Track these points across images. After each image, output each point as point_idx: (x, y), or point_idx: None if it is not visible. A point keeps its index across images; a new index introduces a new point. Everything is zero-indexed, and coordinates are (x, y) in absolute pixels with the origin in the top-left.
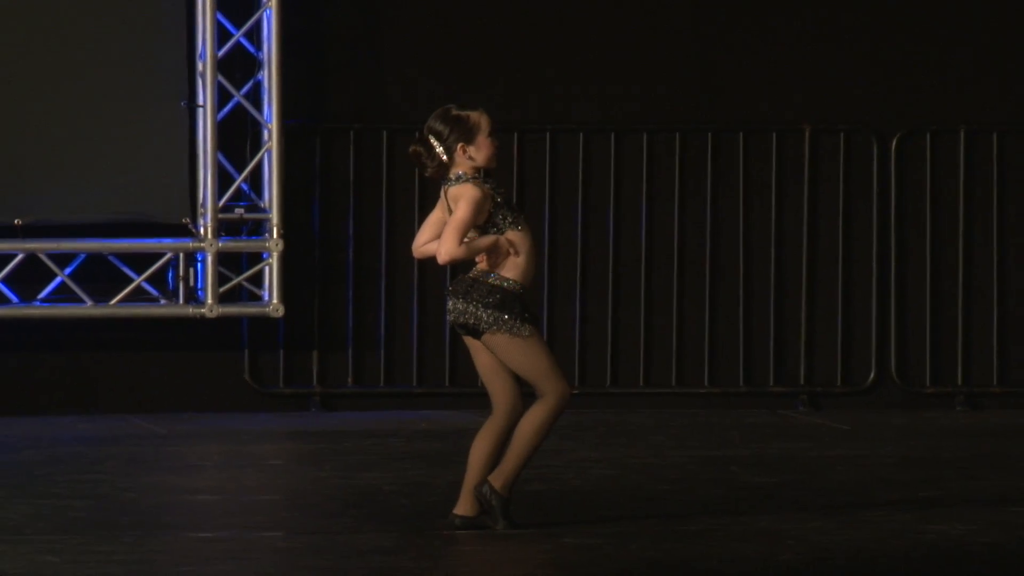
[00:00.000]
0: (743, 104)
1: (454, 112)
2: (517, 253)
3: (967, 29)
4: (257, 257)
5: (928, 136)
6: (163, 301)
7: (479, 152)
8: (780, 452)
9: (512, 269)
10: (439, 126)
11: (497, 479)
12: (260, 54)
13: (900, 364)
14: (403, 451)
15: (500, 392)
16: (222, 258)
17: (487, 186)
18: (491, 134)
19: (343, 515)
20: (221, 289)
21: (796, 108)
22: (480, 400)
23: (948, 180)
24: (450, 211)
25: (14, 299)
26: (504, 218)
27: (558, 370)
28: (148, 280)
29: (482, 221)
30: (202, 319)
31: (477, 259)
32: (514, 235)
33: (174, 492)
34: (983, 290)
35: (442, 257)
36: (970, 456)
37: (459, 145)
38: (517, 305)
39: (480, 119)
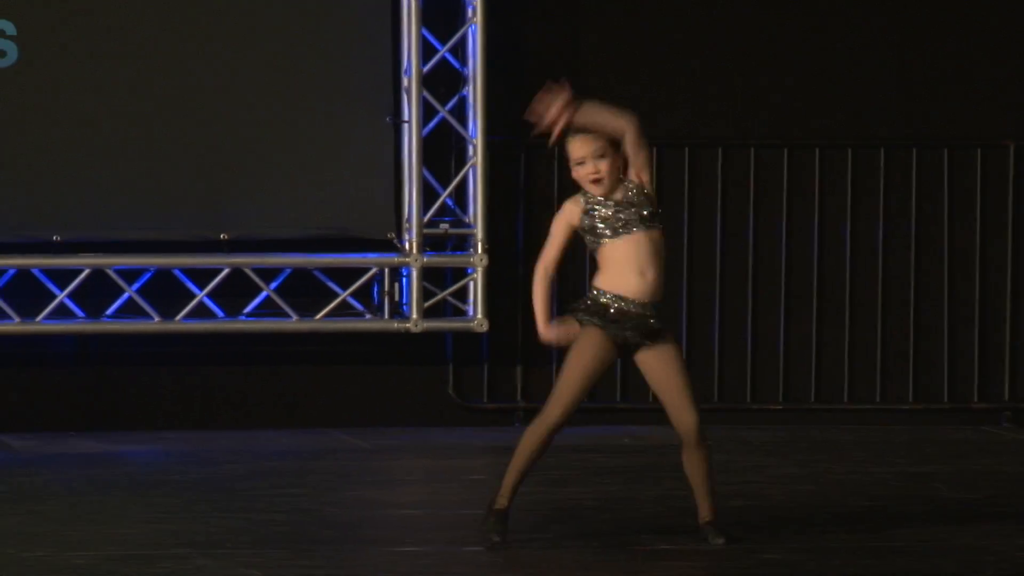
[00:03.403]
0: (945, 119)
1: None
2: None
3: None
4: (461, 272)
5: None
6: (368, 316)
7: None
8: (983, 468)
9: (601, 280)
10: None
11: (501, 495)
12: (465, 70)
13: None
14: (605, 466)
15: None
16: (427, 273)
17: (581, 203)
18: (579, 163)
19: (545, 530)
20: (426, 304)
21: (999, 123)
22: None
23: None
24: None
25: (220, 313)
26: (592, 240)
27: (566, 397)
28: (353, 295)
29: (568, 237)
30: (407, 334)
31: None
32: (602, 249)
33: (377, 506)
34: None
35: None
36: None
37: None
38: (594, 307)
39: (568, 146)
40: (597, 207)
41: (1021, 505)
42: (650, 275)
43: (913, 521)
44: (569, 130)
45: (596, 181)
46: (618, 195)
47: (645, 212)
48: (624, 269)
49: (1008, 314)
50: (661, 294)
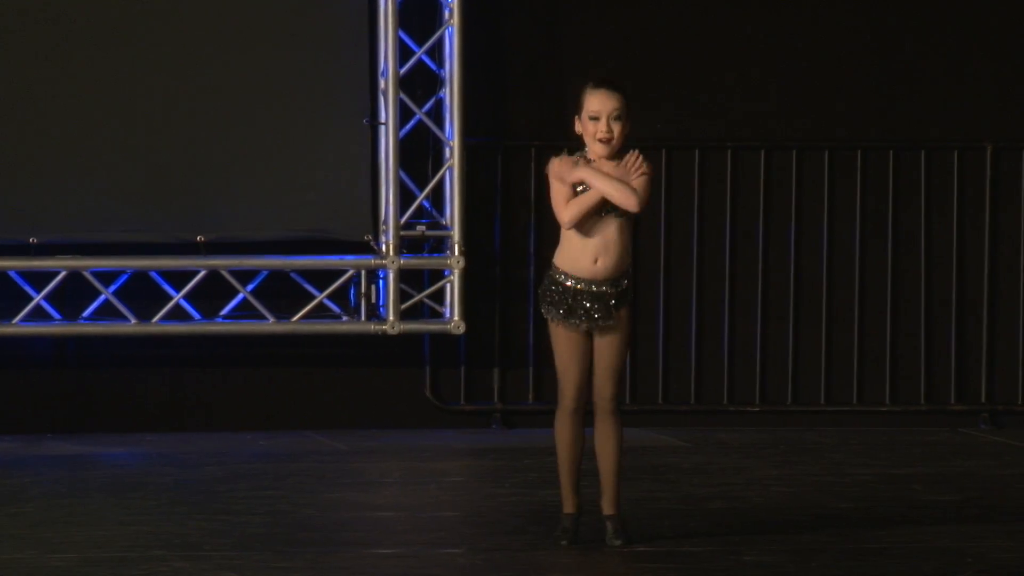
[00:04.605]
0: (922, 121)
1: (589, 81)
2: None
3: None
4: (438, 274)
5: None
6: (345, 318)
7: (581, 128)
8: (961, 470)
9: (559, 257)
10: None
11: (565, 501)
12: (442, 72)
13: None
14: (584, 469)
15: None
16: (404, 275)
17: (575, 157)
18: (594, 117)
19: (523, 532)
20: (403, 306)
21: (976, 125)
22: (661, 418)
23: None
24: None
25: (196, 316)
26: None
27: (571, 378)
28: (330, 297)
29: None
30: (384, 336)
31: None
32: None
33: (355, 508)
34: None
35: (564, 227)
36: None
37: (576, 116)
38: (550, 288)
39: (587, 94)
40: (585, 184)
41: (999, 507)
42: (605, 260)
43: (892, 523)
44: (591, 80)
45: (604, 141)
46: (610, 170)
47: None
48: (582, 252)
49: (985, 316)
50: (623, 269)
